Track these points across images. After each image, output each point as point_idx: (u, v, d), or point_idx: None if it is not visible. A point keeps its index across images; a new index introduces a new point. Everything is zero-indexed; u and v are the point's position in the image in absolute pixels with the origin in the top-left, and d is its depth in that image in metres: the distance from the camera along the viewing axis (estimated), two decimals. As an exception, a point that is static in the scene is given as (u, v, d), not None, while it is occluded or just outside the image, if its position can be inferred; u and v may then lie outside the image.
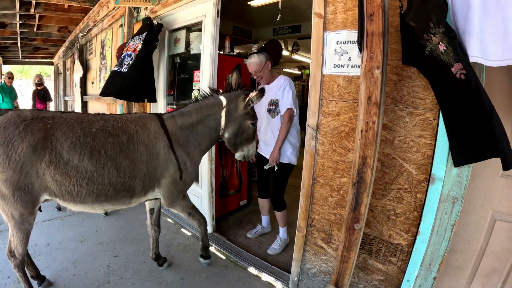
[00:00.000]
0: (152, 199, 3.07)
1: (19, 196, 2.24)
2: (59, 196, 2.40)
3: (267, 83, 3.52)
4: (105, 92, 4.34)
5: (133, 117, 2.73)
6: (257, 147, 3.50)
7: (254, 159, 3.78)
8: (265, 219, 4.13)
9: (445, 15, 1.77)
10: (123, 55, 4.29)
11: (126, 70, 4.08)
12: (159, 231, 3.30)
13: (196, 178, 3.07)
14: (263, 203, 3.99)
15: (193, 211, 3.01)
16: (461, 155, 1.91)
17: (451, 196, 2.00)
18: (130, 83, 4.08)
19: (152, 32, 4.26)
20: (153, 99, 4.43)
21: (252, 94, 2.73)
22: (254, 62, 3.44)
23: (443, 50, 1.76)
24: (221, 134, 2.91)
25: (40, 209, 2.53)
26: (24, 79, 28.31)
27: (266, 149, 3.56)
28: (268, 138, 3.52)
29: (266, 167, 3.45)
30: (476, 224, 2.17)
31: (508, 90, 2.00)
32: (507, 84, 2.00)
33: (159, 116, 2.81)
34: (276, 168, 3.37)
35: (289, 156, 3.41)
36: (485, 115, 1.71)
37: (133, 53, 4.15)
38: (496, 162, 1.78)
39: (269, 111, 3.45)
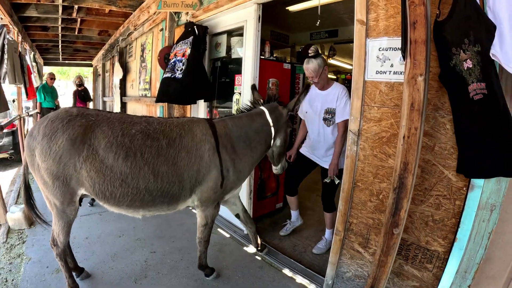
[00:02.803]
0: (232, 206, 3.28)
1: (57, 186, 2.37)
2: (93, 194, 2.46)
3: (322, 89, 3.42)
4: (162, 99, 4.54)
5: (180, 122, 2.72)
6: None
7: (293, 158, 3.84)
8: (294, 213, 4.15)
9: (491, 35, 1.73)
10: (172, 61, 4.43)
11: (181, 76, 4.23)
12: (254, 226, 3.53)
13: (237, 186, 3.06)
14: (291, 200, 4.02)
15: (209, 225, 2.93)
16: (471, 167, 1.97)
17: (490, 204, 1.99)
18: (187, 87, 4.23)
19: (199, 35, 4.40)
20: (210, 98, 4.67)
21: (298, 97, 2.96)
22: (312, 68, 3.24)
23: (466, 68, 1.78)
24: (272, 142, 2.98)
25: (80, 203, 2.62)
26: (63, 80, 29.29)
27: (313, 152, 3.60)
28: (319, 145, 3.52)
29: (327, 180, 3.35)
30: (512, 233, 2.14)
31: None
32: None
33: (208, 119, 2.85)
34: (337, 181, 3.25)
35: (342, 161, 3.24)
36: (505, 137, 1.73)
37: (183, 58, 4.30)
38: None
39: (324, 119, 3.39)
